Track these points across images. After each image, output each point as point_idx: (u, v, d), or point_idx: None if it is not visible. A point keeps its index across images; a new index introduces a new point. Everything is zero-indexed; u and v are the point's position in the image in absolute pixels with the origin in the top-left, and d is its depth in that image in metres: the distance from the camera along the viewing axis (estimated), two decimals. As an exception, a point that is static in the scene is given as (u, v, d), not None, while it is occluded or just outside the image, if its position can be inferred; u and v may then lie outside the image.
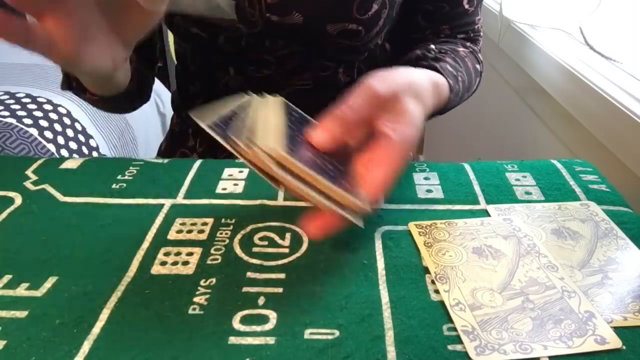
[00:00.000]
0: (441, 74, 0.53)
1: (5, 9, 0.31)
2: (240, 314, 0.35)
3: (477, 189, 0.50)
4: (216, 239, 0.43)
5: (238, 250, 0.41)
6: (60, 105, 1.26)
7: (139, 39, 0.41)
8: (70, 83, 0.57)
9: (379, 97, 0.40)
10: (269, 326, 0.35)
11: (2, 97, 1.24)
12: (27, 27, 0.33)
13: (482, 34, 0.68)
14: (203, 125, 0.37)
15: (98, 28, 0.38)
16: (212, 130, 0.37)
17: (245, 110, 0.41)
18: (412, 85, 0.43)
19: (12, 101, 1.23)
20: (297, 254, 0.41)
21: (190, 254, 0.41)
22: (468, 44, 0.65)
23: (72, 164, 0.53)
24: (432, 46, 0.60)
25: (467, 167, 0.53)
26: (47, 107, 1.24)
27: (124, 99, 0.58)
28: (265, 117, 0.40)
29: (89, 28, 0.37)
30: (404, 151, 0.39)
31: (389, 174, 0.38)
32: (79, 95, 0.58)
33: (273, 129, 0.38)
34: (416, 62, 0.52)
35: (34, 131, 1.15)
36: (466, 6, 0.64)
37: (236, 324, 0.35)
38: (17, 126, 1.14)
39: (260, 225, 0.44)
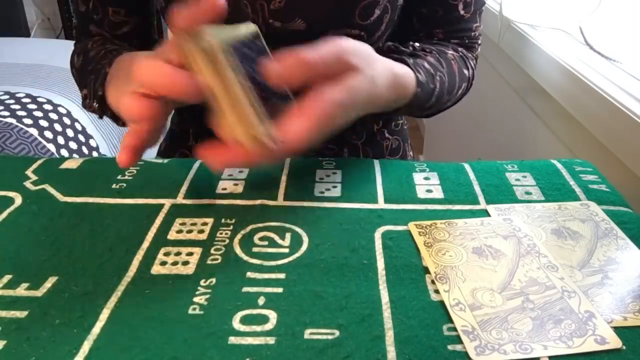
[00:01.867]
0: (410, 67, 0.52)
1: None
2: (240, 314, 0.35)
3: (477, 189, 0.50)
4: (216, 239, 0.43)
5: (238, 250, 0.41)
6: (60, 105, 1.26)
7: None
8: (105, 114, 0.59)
9: (346, 62, 0.41)
10: (269, 326, 0.35)
11: (2, 97, 1.24)
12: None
13: (479, 41, 0.67)
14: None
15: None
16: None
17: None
18: (371, 64, 0.44)
19: (12, 101, 1.23)
20: (297, 254, 0.41)
21: (190, 254, 0.41)
22: (460, 49, 0.64)
23: (72, 164, 0.53)
24: (416, 44, 0.60)
25: (467, 167, 0.53)
26: (47, 107, 1.24)
27: None
28: (224, 28, 0.39)
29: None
30: (329, 113, 0.39)
31: (305, 127, 0.38)
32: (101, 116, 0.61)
33: (223, 35, 0.37)
34: (387, 53, 0.52)
35: (34, 131, 1.15)
36: (462, 12, 0.63)
37: (236, 324, 0.35)
38: (17, 126, 1.14)
39: (260, 225, 0.44)
